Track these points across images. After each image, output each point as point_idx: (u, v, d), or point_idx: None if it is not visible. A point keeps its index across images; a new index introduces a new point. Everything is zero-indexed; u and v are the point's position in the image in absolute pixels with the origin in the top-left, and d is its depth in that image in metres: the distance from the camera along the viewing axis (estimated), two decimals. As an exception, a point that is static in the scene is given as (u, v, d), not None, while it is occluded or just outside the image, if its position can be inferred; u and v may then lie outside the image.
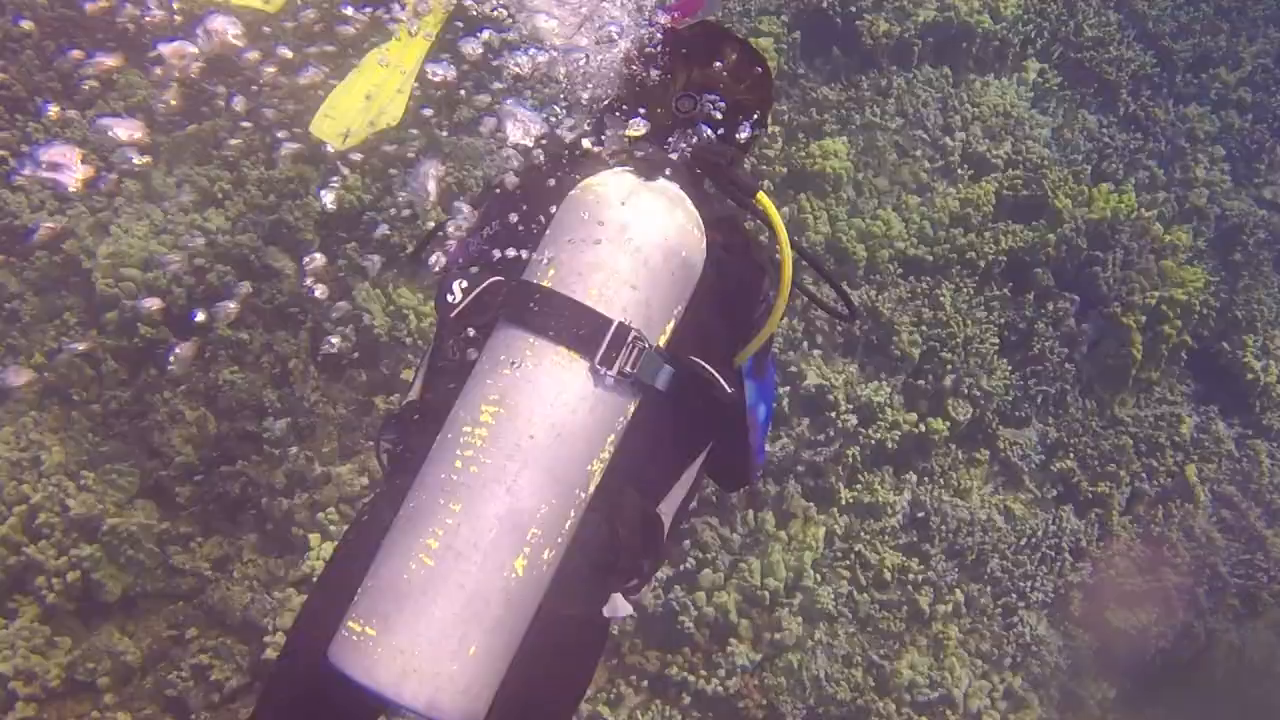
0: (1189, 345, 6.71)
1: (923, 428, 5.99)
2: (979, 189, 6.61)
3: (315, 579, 1.99)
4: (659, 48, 2.08)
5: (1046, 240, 6.39)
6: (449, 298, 1.94)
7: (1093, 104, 7.48)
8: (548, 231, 1.88)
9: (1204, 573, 6.03)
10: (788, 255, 1.98)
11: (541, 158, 2.14)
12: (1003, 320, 6.36)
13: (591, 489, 1.79)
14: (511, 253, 1.99)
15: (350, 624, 1.69)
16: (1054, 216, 6.49)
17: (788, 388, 5.91)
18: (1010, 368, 6.34)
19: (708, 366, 1.90)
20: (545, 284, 1.79)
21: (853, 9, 7.17)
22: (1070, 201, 6.51)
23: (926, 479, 6.09)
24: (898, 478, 6.07)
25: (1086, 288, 6.45)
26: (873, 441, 5.92)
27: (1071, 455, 6.25)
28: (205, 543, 5.89)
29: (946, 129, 6.94)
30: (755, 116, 2.17)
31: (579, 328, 1.76)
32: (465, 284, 1.93)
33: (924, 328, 6.16)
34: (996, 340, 6.24)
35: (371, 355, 6.16)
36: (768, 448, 2.38)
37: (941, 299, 6.23)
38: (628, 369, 1.77)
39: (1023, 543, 5.98)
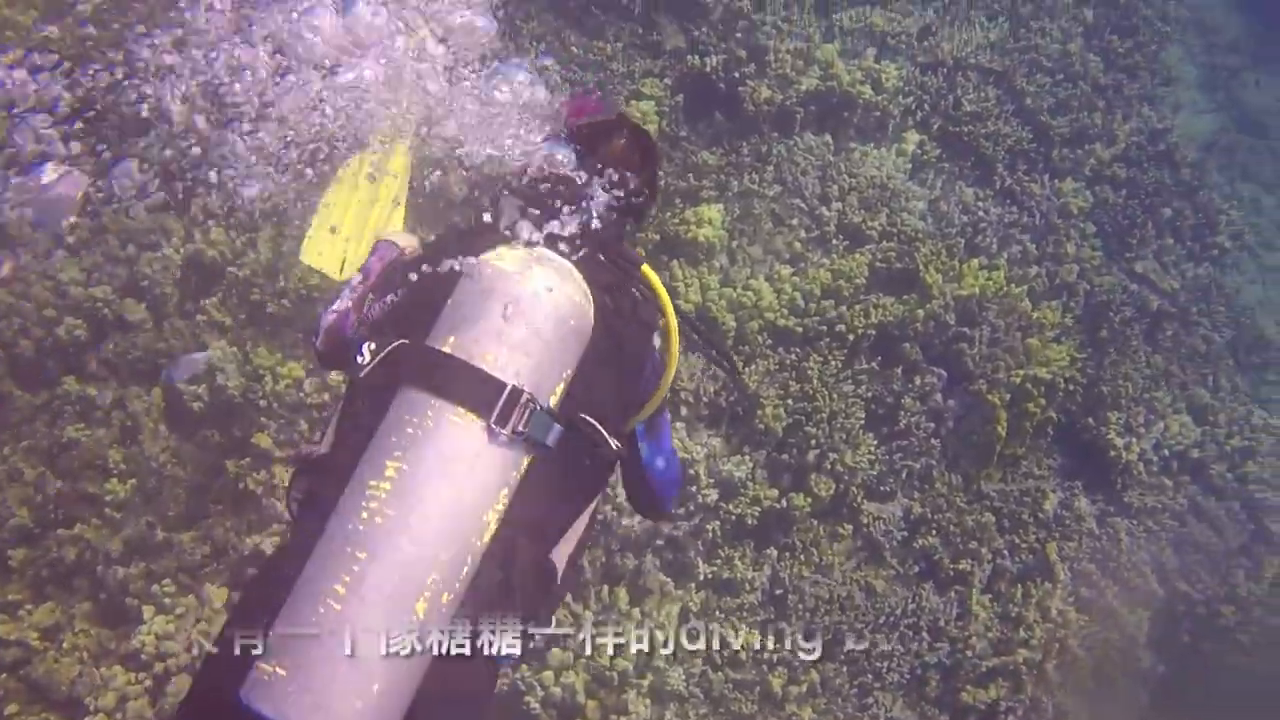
0: (1055, 421, 6.80)
1: (785, 504, 5.97)
2: (852, 260, 6.65)
3: (222, 624, 2.06)
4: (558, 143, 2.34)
5: (916, 315, 6.44)
6: (358, 359, 2.09)
7: (970, 177, 7.60)
8: (448, 301, 2.05)
9: (1054, 648, 6.08)
10: (673, 324, 2.26)
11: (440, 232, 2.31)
12: (870, 394, 6.39)
13: (487, 538, 1.96)
14: (413, 315, 2.14)
15: (261, 665, 1.82)
16: (925, 291, 6.55)
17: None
18: (876, 442, 6.35)
19: (595, 424, 2.11)
20: (446, 349, 1.99)
21: (736, 74, 7.19)
22: (940, 276, 6.59)
23: (788, 554, 6.07)
24: (758, 552, 6.03)
25: (954, 363, 6.51)
26: (733, 517, 5.88)
27: (934, 532, 6.28)
28: (35, 610, 5.65)
29: (824, 198, 6.99)
30: (642, 190, 2.40)
31: (476, 391, 1.95)
32: (374, 346, 2.08)
33: (790, 401, 6.16)
34: (862, 415, 6.26)
35: (225, 415, 5.97)
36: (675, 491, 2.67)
37: (809, 372, 6.24)
38: (520, 428, 1.95)
39: (881, 621, 5.98)
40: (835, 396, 6.24)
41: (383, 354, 2.06)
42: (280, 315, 6.06)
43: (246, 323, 6.18)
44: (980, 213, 7.33)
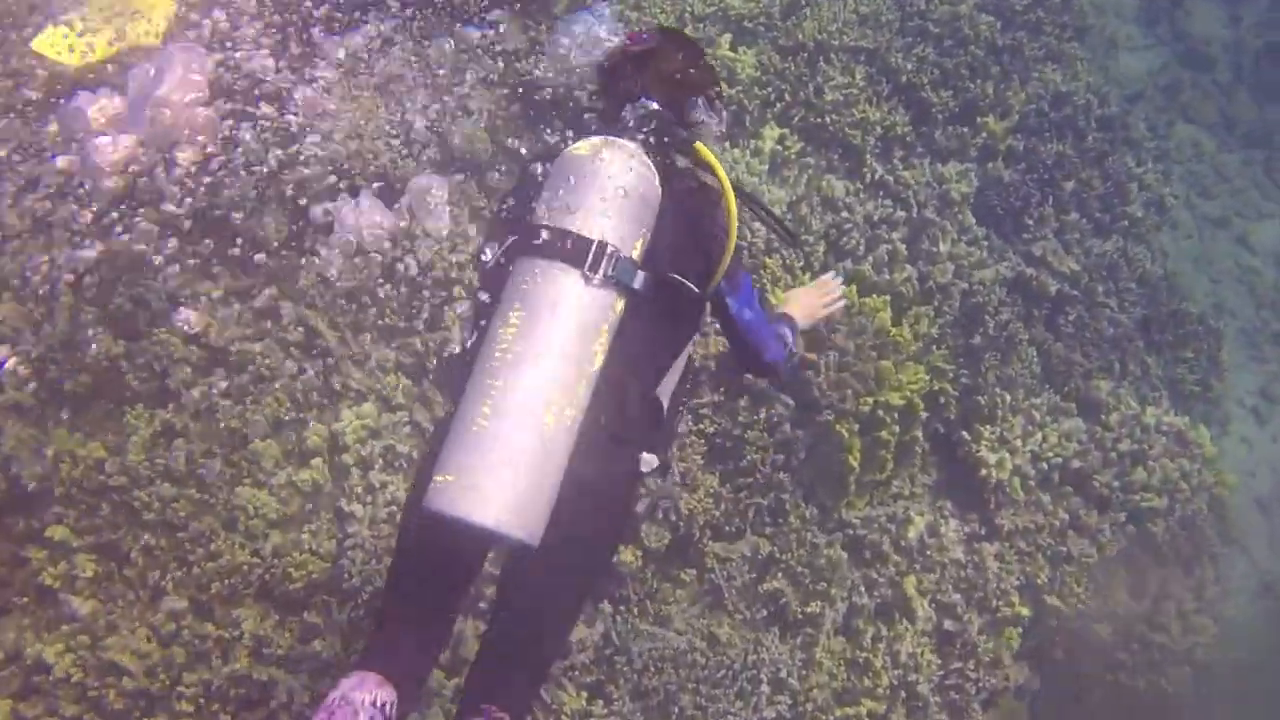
0: (922, 441, 6.50)
1: (613, 559, 5.74)
2: (694, 283, 6.29)
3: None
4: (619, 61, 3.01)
5: (756, 344, 6.10)
6: (482, 258, 2.85)
7: (839, 170, 7.16)
8: (543, 188, 2.73)
9: (900, 694, 5.89)
10: (729, 190, 2.83)
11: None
12: (712, 429, 6.10)
13: (597, 365, 2.59)
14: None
15: (436, 477, 2.50)
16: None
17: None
18: (720, 479, 6.09)
19: (676, 276, 2.72)
20: (544, 221, 2.66)
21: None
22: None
23: (622, 607, 5.87)
24: (593, 608, 5.83)
25: (802, 391, 6.20)
26: (557, 577, 5.65)
27: (782, 573, 6.04)
28: None
29: (667, 212, 6.59)
30: (703, 99, 3.05)
31: (571, 247, 2.60)
32: (495, 245, 2.82)
33: (620, 446, 5.87)
34: (700, 458, 5.99)
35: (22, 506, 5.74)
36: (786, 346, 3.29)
37: (641, 413, 5.94)
38: (609, 273, 2.59)
39: (720, 675, 5.79)
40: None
41: (503, 248, 2.75)
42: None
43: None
44: (845, 213, 6.89)
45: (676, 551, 6.09)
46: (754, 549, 6.24)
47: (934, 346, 6.77)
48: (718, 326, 3.19)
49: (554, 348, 2.51)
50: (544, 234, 2.62)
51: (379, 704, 2.62)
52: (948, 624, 6.35)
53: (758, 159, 7.00)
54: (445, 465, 2.49)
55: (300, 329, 5.82)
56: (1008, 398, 6.85)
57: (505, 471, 2.44)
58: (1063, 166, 8.06)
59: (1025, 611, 6.47)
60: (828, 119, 7.16)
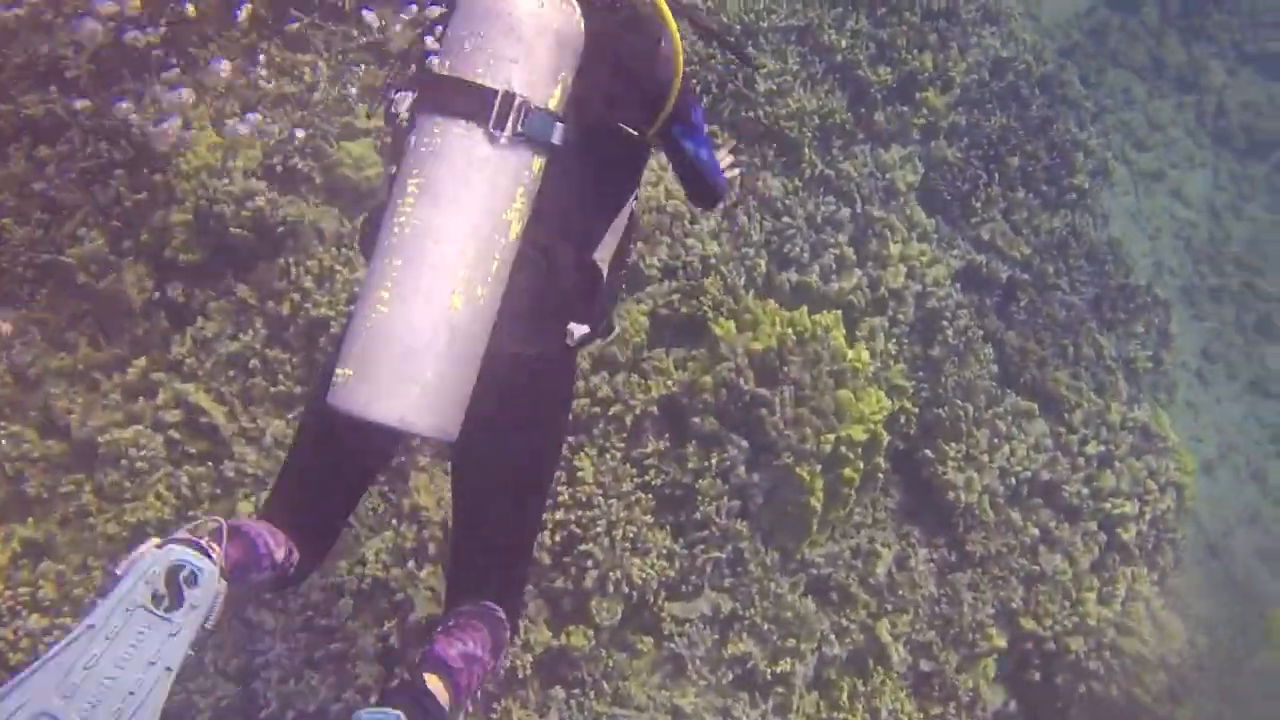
0: (881, 467, 6.01)
1: (562, 640, 5.17)
2: (629, 314, 5.65)
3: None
4: None
5: (703, 384, 5.51)
6: (393, 110, 2.44)
7: (776, 166, 6.52)
8: (447, 30, 2.32)
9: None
10: (665, 8, 2.39)
11: None
12: (660, 481, 5.51)
13: (511, 236, 2.28)
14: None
15: (338, 371, 2.26)
16: (714, 348, 5.61)
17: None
18: (673, 533, 5.52)
19: (606, 124, 2.42)
20: (443, 72, 2.28)
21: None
22: (733, 324, 5.62)
23: (577, 689, 5.30)
24: (544, 694, 5.26)
25: (756, 430, 5.63)
26: (503, 669, 5.06)
27: (746, 632, 5.54)
28: None
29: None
30: None
31: (472, 102, 2.24)
32: (407, 94, 2.42)
33: (560, 512, 5.26)
34: (649, 516, 5.40)
35: None
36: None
37: (580, 471, 5.33)
38: (519, 129, 2.24)
39: (688, 754, 5.30)
40: (613, 499, 5.35)
41: (410, 99, 2.38)
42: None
43: None
44: (787, 218, 6.28)
45: (631, 615, 5.53)
46: (714, 607, 5.71)
47: (891, 361, 6.26)
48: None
49: (458, 219, 2.22)
50: (441, 86, 2.27)
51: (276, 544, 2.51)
52: (924, 664, 5.95)
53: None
54: (345, 358, 2.25)
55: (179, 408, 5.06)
56: (970, 409, 6.39)
57: (408, 362, 2.19)
58: (1007, 140, 7.56)
59: (1002, 644, 6.11)
60: (760, 112, 6.49)
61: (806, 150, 6.62)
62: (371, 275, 2.25)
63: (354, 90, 5.83)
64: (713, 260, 6.03)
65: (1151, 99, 10.18)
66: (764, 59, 6.56)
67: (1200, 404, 8.94)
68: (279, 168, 5.43)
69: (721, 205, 3.13)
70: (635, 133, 2.46)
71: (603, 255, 2.57)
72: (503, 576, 2.82)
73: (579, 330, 2.52)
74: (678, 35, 2.41)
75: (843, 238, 6.51)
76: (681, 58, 2.44)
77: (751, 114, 6.47)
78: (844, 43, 6.91)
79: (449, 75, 2.25)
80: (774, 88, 6.50)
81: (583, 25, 2.32)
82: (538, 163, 2.29)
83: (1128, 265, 8.22)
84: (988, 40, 7.80)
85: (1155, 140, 9.82)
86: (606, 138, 2.43)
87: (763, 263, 6.19)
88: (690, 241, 6.06)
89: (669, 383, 5.64)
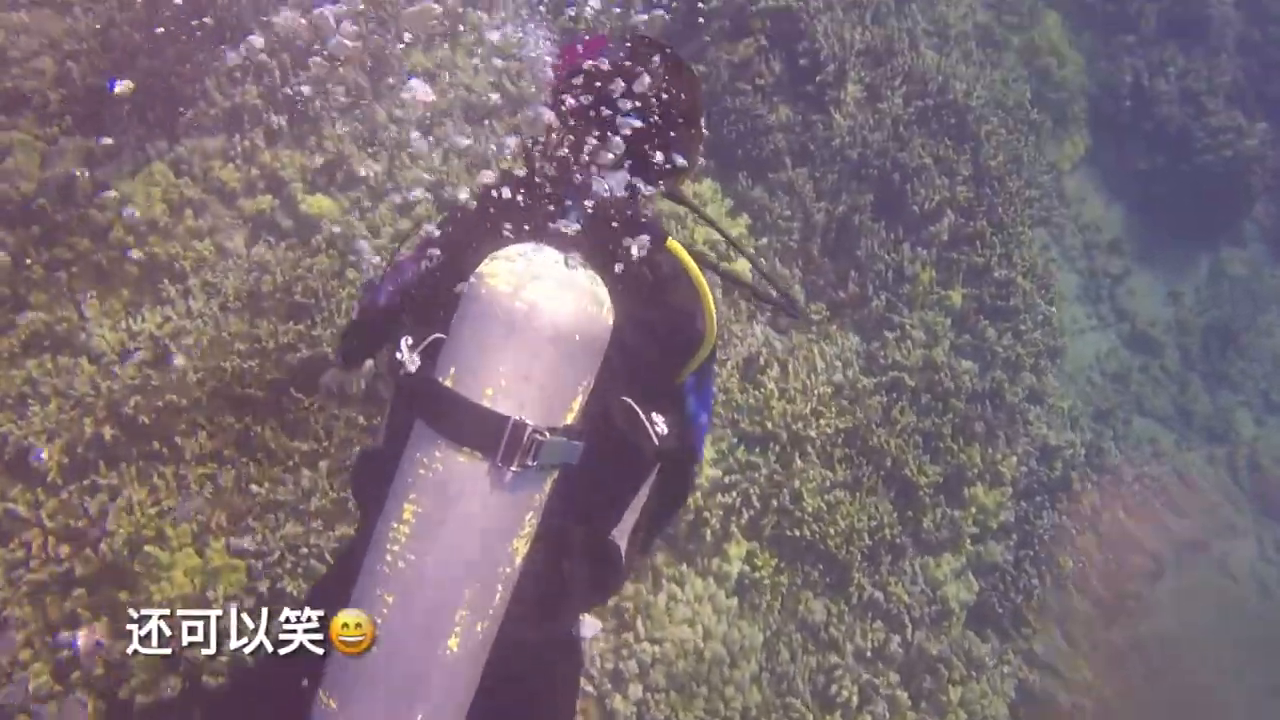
0: None
1: None
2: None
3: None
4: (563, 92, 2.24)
5: None
6: (398, 355, 2.11)
7: (818, 585, 5.84)
8: (453, 320, 2.05)
9: None
10: (698, 276, 2.20)
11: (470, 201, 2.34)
12: None
13: (518, 561, 2.05)
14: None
15: (321, 694, 2.06)
16: None
17: None
18: None
19: (635, 410, 2.15)
20: (447, 383, 2.01)
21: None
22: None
23: None
24: None
25: None
26: None
27: None
28: None
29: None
30: (676, 140, 2.27)
31: (479, 429, 1.98)
32: (411, 341, 2.11)
33: None
34: None
35: None
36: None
37: None
38: (529, 462, 1.98)
39: None
40: None
41: (421, 346, 2.09)
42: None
43: None
44: (833, 653, 5.57)
45: None
46: None
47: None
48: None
49: (458, 562, 2.00)
50: (446, 404, 2.02)
51: None
52: None
53: (722, 586, 5.63)
54: (331, 684, 2.05)
55: None
56: None
57: (398, 711, 2.00)
58: (1061, 541, 6.98)
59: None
60: (806, 530, 5.85)
61: (855, 573, 5.96)
62: (360, 599, 2.04)
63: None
64: (753, 713, 5.27)
65: (1180, 450, 9.79)
66: (811, 466, 5.99)
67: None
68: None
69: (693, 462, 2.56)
70: (657, 433, 2.18)
71: (622, 530, 2.30)
72: None
73: (593, 625, 2.26)
74: (707, 289, 2.22)
75: (894, 676, 5.78)
76: (715, 329, 2.27)
77: (797, 532, 5.83)
78: (893, 443, 6.37)
79: (454, 391, 2.00)
80: (823, 505, 5.89)
81: (611, 317, 2.07)
82: (551, 481, 2.07)
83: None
84: (1036, 426, 7.35)
85: (1190, 504, 9.34)
86: (620, 438, 2.15)
87: (810, 716, 5.41)
88: (729, 691, 5.30)
89: None
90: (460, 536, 2.00)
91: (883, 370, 6.84)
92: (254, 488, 4.99)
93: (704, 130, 2.43)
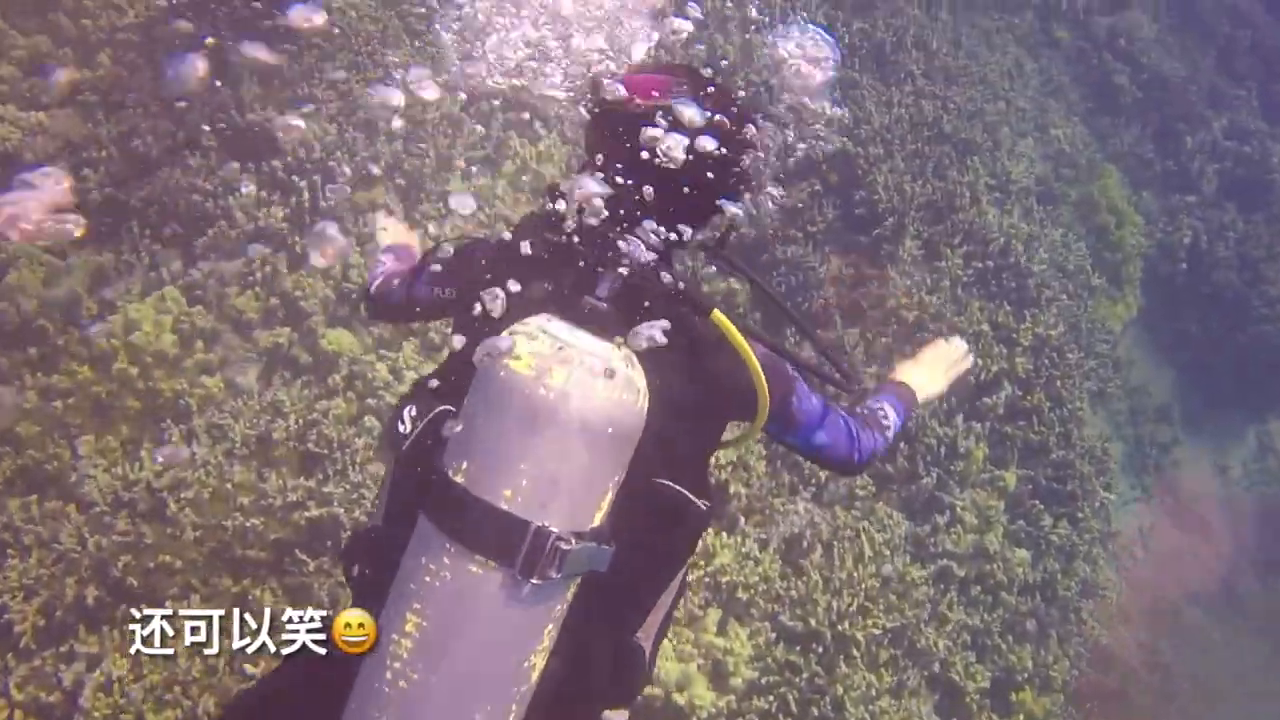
0: None
1: None
2: None
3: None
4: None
5: None
6: (399, 426, 1.91)
7: None
8: (467, 403, 1.79)
9: None
10: (745, 348, 1.93)
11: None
12: None
13: (534, 677, 1.80)
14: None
15: None
16: None
17: None
18: None
19: (679, 491, 1.90)
20: (459, 480, 1.75)
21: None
22: None
23: None
24: None
25: None
26: None
27: None
28: None
29: None
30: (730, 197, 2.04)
31: (495, 537, 1.72)
32: (414, 413, 1.89)
33: None
34: None
35: None
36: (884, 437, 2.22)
37: None
38: (552, 574, 1.72)
39: None
40: None
41: (424, 421, 1.86)
42: None
43: None
44: None
45: None
46: None
47: None
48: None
49: (468, 679, 1.71)
50: (458, 505, 1.72)
51: None
52: None
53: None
54: None
55: None
56: None
57: None
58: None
59: None
60: (846, 748, 5.31)
61: None
62: (360, 716, 1.79)
63: None
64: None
65: (1237, 638, 9.24)
66: (855, 671, 5.47)
67: None
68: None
69: (869, 466, 2.28)
70: (704, 503, 1.92)
71: (646, 632, 2.07)
72: None
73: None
74: (752, 354, 1.92)
75: None
76: (767, 399, 1.98)
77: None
78: (941, 644, 5.85)
79: (468, 492, 1.73)
80: (866, 716, 5.35)
81: (646, 402, 1.79)
82: (571, 589, 1.81)
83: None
84: (1091, 629, 6.85)
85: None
86: (660, 508, 1.88)
87: None
88: None
89: None
90: (472, 654, 1.75)
91: (932, 558, 6.36)
92: (249, 668, 4.51)
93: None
